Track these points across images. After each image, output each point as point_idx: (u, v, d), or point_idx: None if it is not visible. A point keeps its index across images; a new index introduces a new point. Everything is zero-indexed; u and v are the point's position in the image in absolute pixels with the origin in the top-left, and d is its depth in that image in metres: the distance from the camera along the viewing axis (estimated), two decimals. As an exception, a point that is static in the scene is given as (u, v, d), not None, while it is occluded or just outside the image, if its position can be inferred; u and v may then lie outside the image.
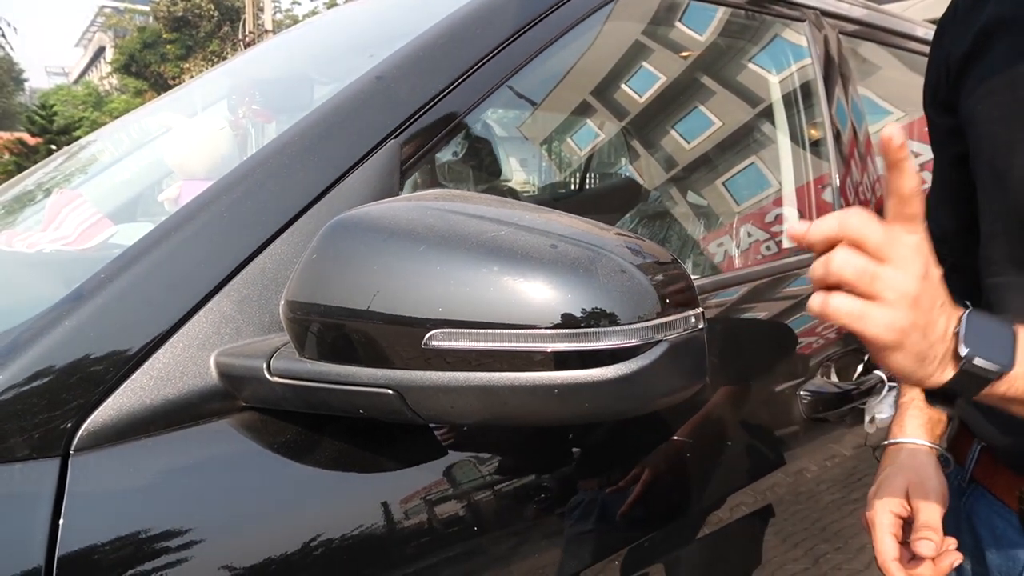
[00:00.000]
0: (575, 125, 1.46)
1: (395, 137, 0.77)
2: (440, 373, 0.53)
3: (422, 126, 0.80)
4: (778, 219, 1.31)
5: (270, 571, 0.57)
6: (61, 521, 0.52)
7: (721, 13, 1.25)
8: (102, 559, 0.53)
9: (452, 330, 0.53)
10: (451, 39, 0.86)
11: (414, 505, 0.66)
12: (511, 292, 0.52)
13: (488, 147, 2.32)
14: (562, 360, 0.51)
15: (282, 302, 0.59)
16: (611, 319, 0.52)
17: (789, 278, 1.18)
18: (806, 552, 1.15)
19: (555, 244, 0.53)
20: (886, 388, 1.10)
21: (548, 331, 0.51)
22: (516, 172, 2.16)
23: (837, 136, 1.35)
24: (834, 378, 1.11)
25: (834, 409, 1.07)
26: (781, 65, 1.36)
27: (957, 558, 0.68)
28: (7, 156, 18.15)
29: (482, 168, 2.29)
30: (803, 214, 1.34)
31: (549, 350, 0.51)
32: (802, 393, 1.04)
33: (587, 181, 1.73)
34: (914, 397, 0.82)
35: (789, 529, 1.08)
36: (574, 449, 0.80)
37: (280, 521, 0.60)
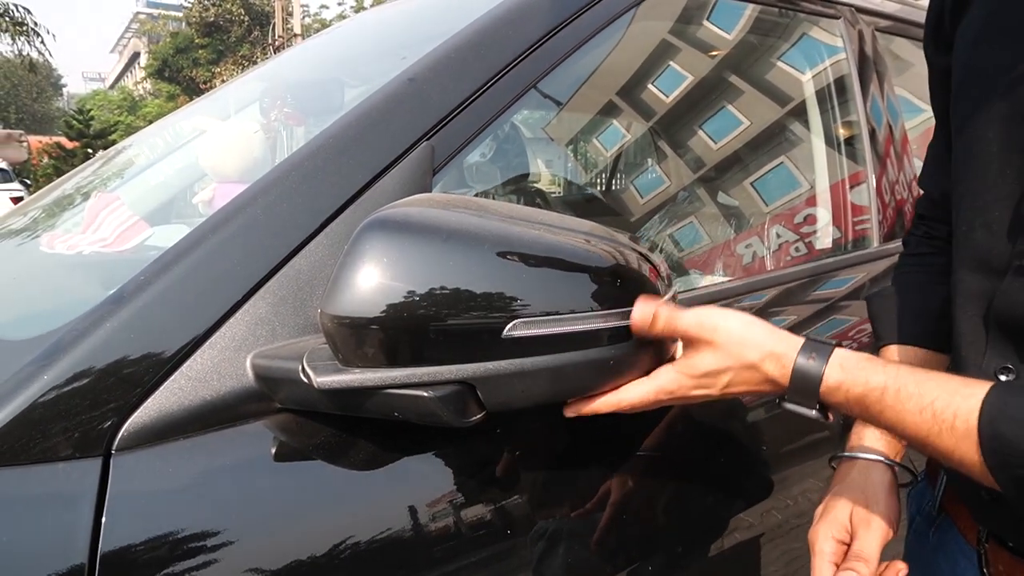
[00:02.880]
0: (605, 126, 1.45)
1: (428, 139, 0.78)
2: (512, 361, 0.56)
3: (454, 128, 0.80)
4: (809, 219, 1.29)
5: (303, 571, 0.58)
6: (103, 519, 0.53)
7: (751, 11, 1.24)
8: (142, 557, 0.53)
9: (529, 318, 0.54)
10: (482, 41, 0.86)
11: (446, 507, 0.66)
12: (563, 285, 0.57)
13: (518, 148, 2.33)
14: (615, 336, 0.57)
15: (319, 310, 0.59)
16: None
17: (819, 281, 1.16)
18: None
19: (588, 239, 0.56)
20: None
21: (602, 312, 0.57)
22: (545, 172, 2.16)
23: (872, 134, 1.32)
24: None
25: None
26: (814, 63, 1.34)
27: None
28: (46, 160, 18.64)
29: (511, 169, 2.29)
30: (836, 214, 1.32)
31: (609, 327, 0.57)
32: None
33: (615, 182, 1.72)
34: None
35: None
36: (603, 454, 0.80)
37: (314, 522, 0.61)
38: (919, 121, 1.61)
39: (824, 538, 0.66)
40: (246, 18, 26.82)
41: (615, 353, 0.58)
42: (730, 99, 1.27)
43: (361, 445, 0.65)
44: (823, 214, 1.34)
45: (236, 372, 0.62)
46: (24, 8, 14.64)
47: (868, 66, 1.37)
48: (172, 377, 0.60)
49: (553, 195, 2.28)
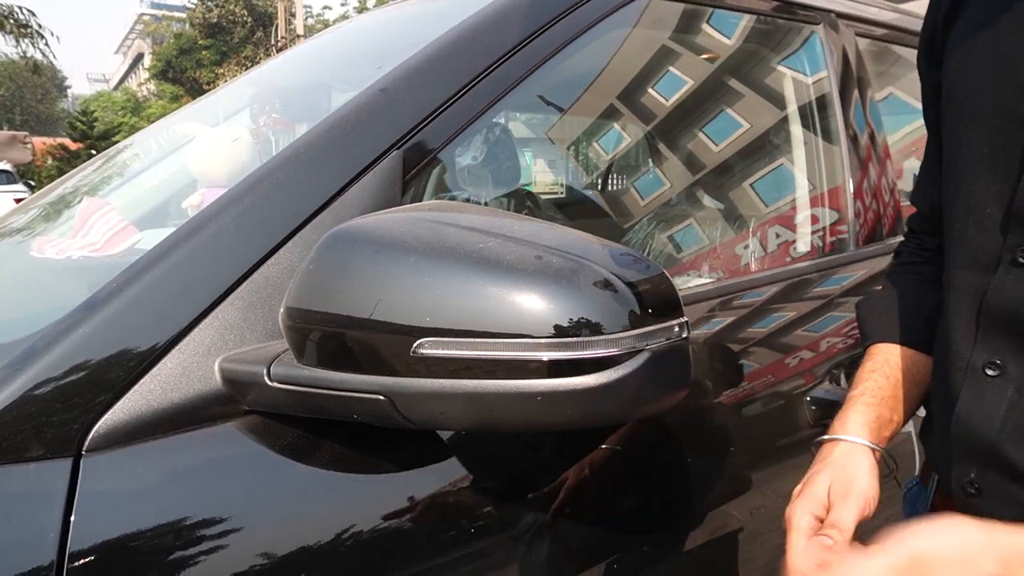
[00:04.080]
0: (583, 131, 1.47)
1: (398, 148, 0.80)
2: (429, 380, 0.55)
3: (425, 136, 0.82)
4: (791, 224, 1.30)
5: (271, 570, 0.60)
6: (72, 518, 0.55)
7: (732, 18, 1.25)
8: (111, 555, 0.55)
9: (440, 339, 0.54)
10: (454, 50, 0.88)
11: (414, 508, 0.68)
12: (497, 302, 0.54)
13: (495, 154, 2.34)
14: (545, 369, 0.53)
15: (281, 309, 0.61)
16: (594, 328, 0.53)
17: (804, 283, 1.17)
18: None
19: (540, 255, 0.55)
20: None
21: (532, 340, 0.53)
22: (524, 178, 2.18)
23: (853, 140, 1.34)
24: (844, 384, 1.11)
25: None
26: (795, 69, 1.35)
27: None
28: (50, 161, 18.71)
29: (492, 174, 2.31)
30: (816, 217, 1.33)
31: (533, 359, 0.53)
32: (808, 399, 1.04)
33: (593, 185, 1.74)
34: (865, 392, 0.74)
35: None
36: (577, 453, 0.82)
37: (280, 521, 0.63)
38: (918, 124, 1.62)
39: (801, 513, 0.66)
40: (249, 19, 26.86)
41: (546, 388, 0.52)
42: (709, 105, 1.29)
43: (327, 447, 0.67)
44: (802, 218, 1.36)
45: (205, 376, 0.64)
46: (28, 10, 14.72)
47: (849, 72, 1.39)
48: (142, 380, 0.62)
49: (543, 197, 2.30)
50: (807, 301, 1.17)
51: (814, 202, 1.32)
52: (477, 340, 0.53)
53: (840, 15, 1.42)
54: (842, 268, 1.23)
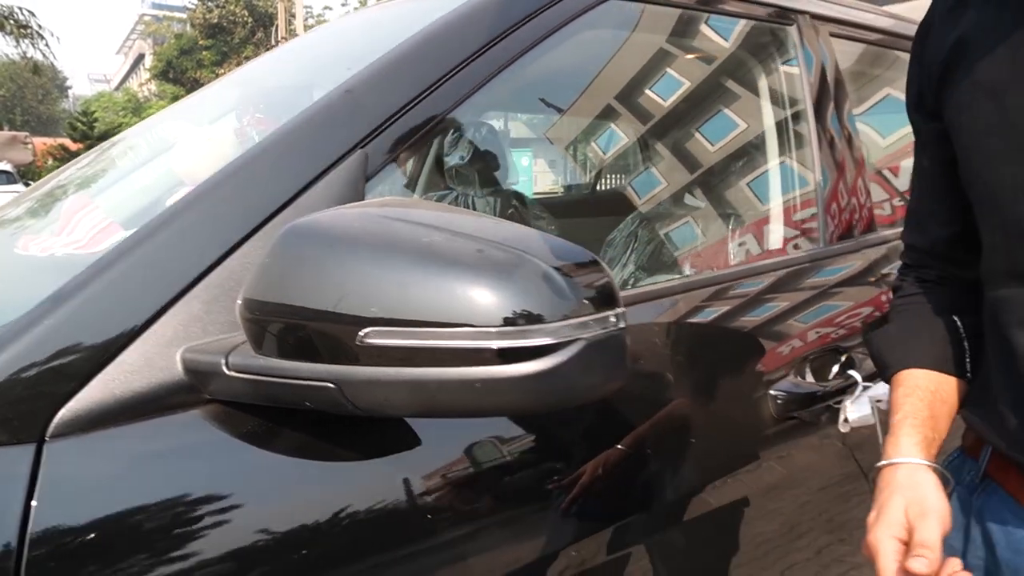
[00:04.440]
0: (550, 132, 1.49)
1: (361, 147, 0.82)
2: (374, 368, 0.57)
3: (389, 136, 0.85)
4: (763, 222, 1.33)
5: (230, 555, 0.62)
6: (34, 503, 0.57)
7: (705, 20, 1.28)
8: (70, 539, 0.58)
9: (385, 328, 0.57)
10: (420, 52, 0.91)
11: (373, 496, 0.70)
12: (439, 293, 0.56)
13: (496, 151, 2.37)
14: (484, 357, 0.55)
15: (239, 301, 0.64)
16: (532, 319, 0.56)
17: (773, 279, 1.20)
18: (810, 543, 1.17)
19: (482, 249, 0.57)
20: (860, 388, 1.11)
21: (472, 330, 0.55)
22: (488, 177, 2.20)
23: (826, 140, 1.36)
24: (809, 378, 1.13)
25: (805, 408, 1.08)
26: (768, 70, 1.38)
27: None
28: (51, 161, 18.76)
29: (469, 173, 2.34)
30: (788, 216, 1.36)
31: (472, 347, 0.55)
32: (773, 393, 1.06)
33: (564, 185, 1.77)
34: (907, 415, 0.78)
35: (795, 519, 1.10)
36: (541, 438, 0.84)
37: (240, 507, 0.65)
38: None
39: (884, 538, 0.69)
40: (249, 19, 26.91)
41: (484, 375, 0.55)
42: (681, 106, 1.31)
43: (287, 434, 0.70)
44: (773, 217, 1.38)
45: (168, 365, 0.67)
46: (28, 11, 14.77)
47: (823, 72, 1.41)
48: (106, 370, 0.64)
49: (501, 196, 2.32)
50: (775, 297, 1.19)
51: (786, 201, 1.34)
52: (420, 329, 0.56)
53: (815, 16, 1.44)
54: (813, 265, 1.25)
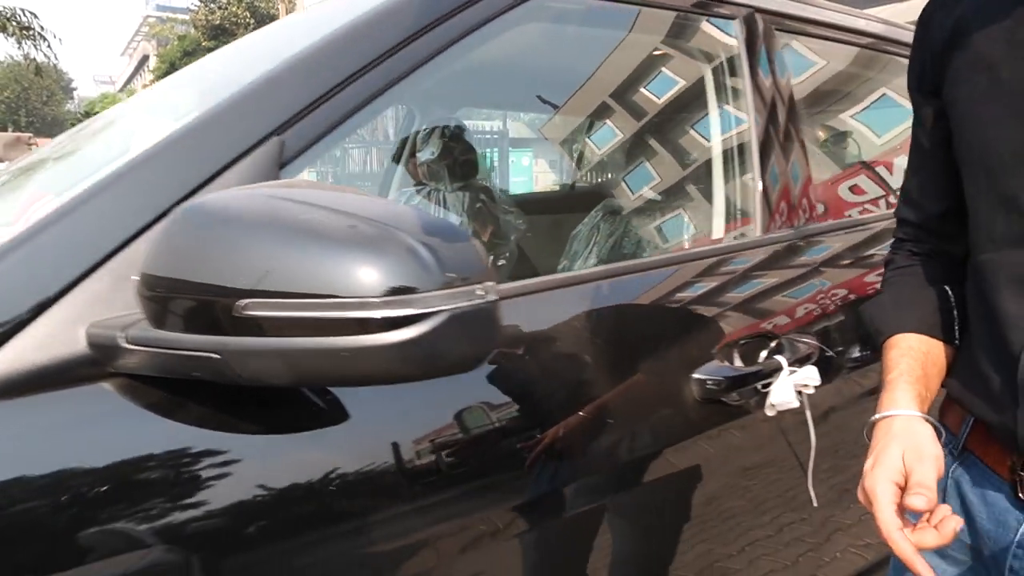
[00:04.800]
0: (471, 126, 1.52)
1: (277, 135, 0.85)
2: (252, 339, 0.61)
3: (308, 125, 0.88)
4: (698, 211, 1.35)
5: (132, 526, 0.65)
6: None
7: (640, 12, 1.31)
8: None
9: (261, 300, 0.60)
10: (342, 44, 0.94)
11: (274, 469, 0.74)
12: (311, 266, 0.59)
13: (464, 146, 2.40)
14: (353, 326, 0.59)
15: (133, 277, 0.67)
16: (401, 291, 0.59)
17: (703, 266, 1.22)
18: (772, 519, 1.20)
19: (355, 224, 0.61)
20: (785, 372, 1.14)
21: (338, 300, 0.59)
22: (457, 172, 2.23)
23: (767, 132, 1.38)
24: (737, 362, 1.16)
25: (728, 392, 1.11)
26: (708, 64, 1.40)
27: (958, 522, 0.69)
28: (53, 162, 18.82)
29: (458, 166, 2.37)
30: (728, 208, 1.38)
31: (341, 317, 0.59)
32: (696, 376, 1.09)
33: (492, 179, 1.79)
34: (903, 372, 0.82)
35: (762, 496, 1.13)
36: (455, 428, 0.87)
37: (141, 476, 0.68)
38: (905, 126, 1.66)
39: (882, 481, 0.73)
40: (251, 21, 27.03)
41: (350, 345, 0.58)
42: (618, 100, 1.34)
43: (192, 408, 0.73)
44: (719, 205, 1.41)
45: (73, 340, 0.70)
46: (30, 12, 14.90)
47: (764, 67, 1.44)
48: (10, 343, 0.68)
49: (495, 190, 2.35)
50: (712, 284, 1.22)
51: (723, 191, 1.37)
52: (291, 300, 0.59)
53: (759, 10, 1.46)
54: (745, 253, 1.28)
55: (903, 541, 0.69)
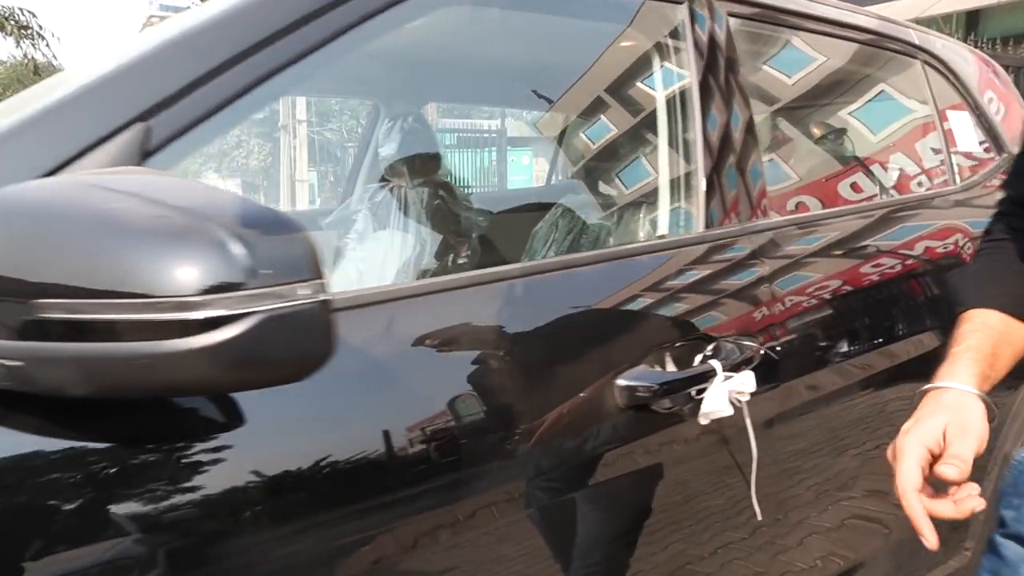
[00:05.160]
0: (383, 117, 1.45)
1: (143, 120, 0.79)
2: (49, 344, 0.54)
3: (179, 111, 0.81)
4: (639, 206, 1.29)
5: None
6: None
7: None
8: None
9: (62, 300, 0.53)
10: (223, 25, 0.87)
11: (118, 479, 0.67)
12: (110, 261, 0.52)
13: (425, 141, 2.34)
14: (155, 330, 0.52)
15: None
16: (211, 290, 0.52)
17: (643, 263, 1.16)
18: (712, 537, 1.14)
19: (164, 214, 0.54)
20: (720, 377, 1.07)
21: (144, 301, 0.52)
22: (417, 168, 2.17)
23: (710, 124, 1.31)
24: (670, 367, 1.09)
25: (659, 399, 1.04)
26: (652, 50, 1.33)
27: (979, 504, 0.68)
28: (53, 162, 18.81)
29: (419, 160, 2.30)
30: (674, 194, 1.32)
31: (143, 320, 0.52)
32: (619, 382, 1.02)
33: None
34: (969, 348, 0.79)
35: (703, 510, 1.07)
36: (351, 439, 0.80)
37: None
38: (905, 122, 1.60)
39: (914, 443, 0.71)
40: (253, 20, 27.04)
41: (151, 351, 0.51)
42: (557, 86, 1.27)
43: (19, 419, 0.66)
44: (664, 201, 1.34)
45: None
46: (29, 11, 14.87)
47: (713, 54, 1.36)
48: None
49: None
50: (651, 282, 1.15)
51: (670, 185, 1.30)
52: (90, 302, 0.52)
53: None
54: (686, 249, 1.21)
55: (915, 500, 0.67)
